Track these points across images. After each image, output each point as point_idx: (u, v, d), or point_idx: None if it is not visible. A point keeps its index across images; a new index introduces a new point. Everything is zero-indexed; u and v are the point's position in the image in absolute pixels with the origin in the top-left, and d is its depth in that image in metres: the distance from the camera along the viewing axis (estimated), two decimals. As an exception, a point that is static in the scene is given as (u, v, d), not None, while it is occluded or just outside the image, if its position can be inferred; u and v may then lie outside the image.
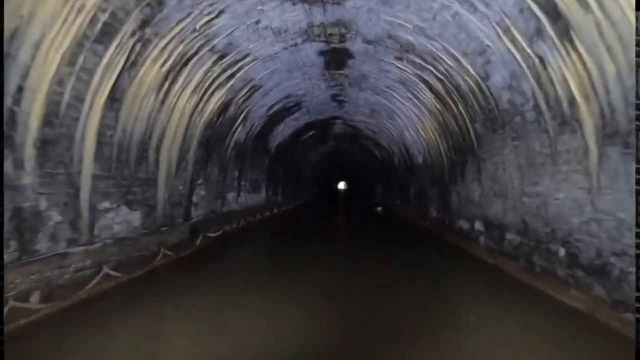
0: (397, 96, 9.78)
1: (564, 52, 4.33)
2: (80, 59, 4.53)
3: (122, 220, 5.78)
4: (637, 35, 2.57)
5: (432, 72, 7.24)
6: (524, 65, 5.05)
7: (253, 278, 6.05)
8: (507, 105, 5.80)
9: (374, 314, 4.33)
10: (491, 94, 6.08)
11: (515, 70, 5.26)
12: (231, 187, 10.38)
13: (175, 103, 6.54)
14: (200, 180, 8.26)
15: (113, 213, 5.61)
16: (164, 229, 6.81)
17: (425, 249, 8.64)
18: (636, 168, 2.48)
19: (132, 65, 5.31)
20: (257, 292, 5.14)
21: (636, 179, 2.44)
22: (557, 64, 4.52)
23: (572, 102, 4.46)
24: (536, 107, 5.14)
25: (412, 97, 9.15)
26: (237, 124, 9.45)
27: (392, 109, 11.04)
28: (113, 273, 5.57)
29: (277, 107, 10.84)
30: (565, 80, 4.44)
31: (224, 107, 8.28)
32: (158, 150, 6.47)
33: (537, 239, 5.40)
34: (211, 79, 7.03)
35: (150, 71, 5.68)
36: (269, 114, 10.94)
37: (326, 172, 33.46)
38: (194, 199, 8.03)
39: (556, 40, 4.35)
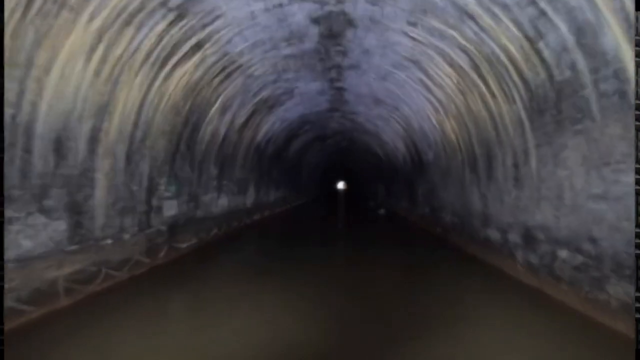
0: (406, 78, 8.18)
1: (688, -25, 2.73)
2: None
3: (34, 233, 4.17)
4: (637, 35, 2.53)
5: (455, 39, 5.64)
6: (604, 8, 3.44)
7: (230, 304, 4.49)
8: (568, 74, 4.19)
9: None
10: (542, 60, 4.48)
11: (588, 19, 3.66)
12: (208, 187, 8.76)
13: (119, 76, 4.94)
14: (163, 179, 6.64)
15: (20, 224, 4.00)
16: (106, 242, 5.21)
17: (443, 264, 7.04)
18: (636, 168, 2.44)
19: (39, 16, 3.71)
20: (238, 334, 3.56)
21: (636, 179, 2.38)
22: (668, -1, 2.91)
23: (694, 56, 2.85)
24: (620, 72, 3.53)
25: (425, 77, 7.55)
26: (213, 110, 7.84)
27: (399, 95, 9.44)
28: (20, 307, 4.02)
29: (263, 93, 9.23)
30: (687, 21, 2.84)
31: (194, 88, 6.67)
32: (95, 137, 4.86)
33: (616, 262, 3.79)
34: (170, 46, 5.42)
35: (72, 27, 4.07)
36: (254, 101, 9.34)
37: (324, 173, 31.84)
38: (155, 201, 6.42)
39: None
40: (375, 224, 14.32)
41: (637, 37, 2.53)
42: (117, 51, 4.72)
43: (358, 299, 4.85)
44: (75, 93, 4.42)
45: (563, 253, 4.65)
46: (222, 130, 8.80)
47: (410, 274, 6.21)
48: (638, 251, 2.37)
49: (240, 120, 9.47)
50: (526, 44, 4.60)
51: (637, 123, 2.47)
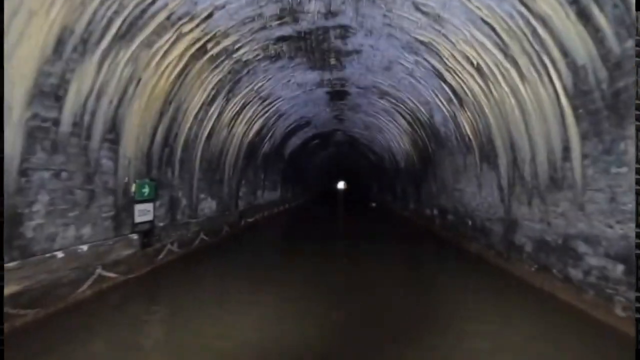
0: (415, 64, 7.27)
1: None
2: None
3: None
4: (637, 35, 2.60)
5: (477, 11, 4.73)
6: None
7: (218, 324, 3.53)
8: (629, 44, 3.26)
9: None
10: (593, 28, 3.56)
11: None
12: (191, 188, 7.85)
13: (70, 52, 4.02)
14: (134, 180, 5.72)
15: None
16: (56, 255, 4.29)
17: (460, 274, 6.16)
18: (636, 168, 2.47)
19: None
20: None
21: (636, 179, 2.40)
22: None
23: None
24: None
25: (437, 62, 6.65)
26: (195, 100, 6.93)
27: (406, 85, 8.55)
28: None
29: (254, 82, 8.32)
30: None
31: (170, 72, 5.73)
32: (39, 129, 3.95)
33: None
34: (135, 18, 4.49)
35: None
36: (244, 92, 8.42)
37: (323, 172, 30.91)
38: (124, 205, 5.49)
39: None
40: (376, 226, 13.44)
41: (638, 37, 2.57)
42: (67, 20, 3.80)
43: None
44: (8, 72, 3.50)
45: (617, 269, 3.76)
46: (208, 124, 7.88)
47: (423, 291, 5.32)
48: (638, 251, 2.40)
49: (229, 113, 8.55)
50: (572, 10, 3.69)
51: (637, 123, 2.46)
